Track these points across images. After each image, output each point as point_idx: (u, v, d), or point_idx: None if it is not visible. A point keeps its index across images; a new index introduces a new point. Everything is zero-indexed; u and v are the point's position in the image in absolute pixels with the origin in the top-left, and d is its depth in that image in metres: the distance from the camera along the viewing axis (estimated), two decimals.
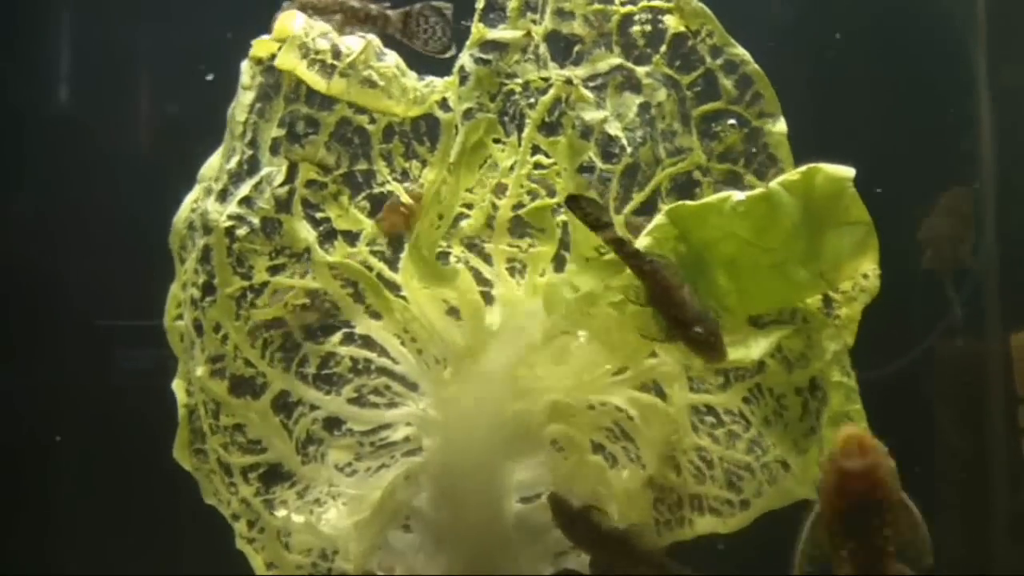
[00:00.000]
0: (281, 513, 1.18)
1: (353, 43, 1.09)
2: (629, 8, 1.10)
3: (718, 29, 1.09)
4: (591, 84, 1.11)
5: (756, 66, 1.08)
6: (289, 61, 1.07)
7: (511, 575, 1.14)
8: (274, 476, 1.18)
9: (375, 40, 1.11)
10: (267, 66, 1.11)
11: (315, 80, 1.08)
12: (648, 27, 1.10)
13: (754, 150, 1.09)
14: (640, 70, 1.10)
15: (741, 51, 1.09)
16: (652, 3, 1.09)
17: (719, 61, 1.09)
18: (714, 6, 1.10)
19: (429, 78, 1.12)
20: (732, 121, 1.09)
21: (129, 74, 1.79)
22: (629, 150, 1.10)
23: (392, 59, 1.11)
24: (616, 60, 1.10)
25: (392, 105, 1.09)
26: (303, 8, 1.10)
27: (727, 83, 1.08)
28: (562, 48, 1.11)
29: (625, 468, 1.19)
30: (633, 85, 1.10)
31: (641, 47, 1.10)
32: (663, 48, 1.10)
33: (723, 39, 1.09)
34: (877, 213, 0.99)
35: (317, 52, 1.08)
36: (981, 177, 1.68)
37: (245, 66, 1.12)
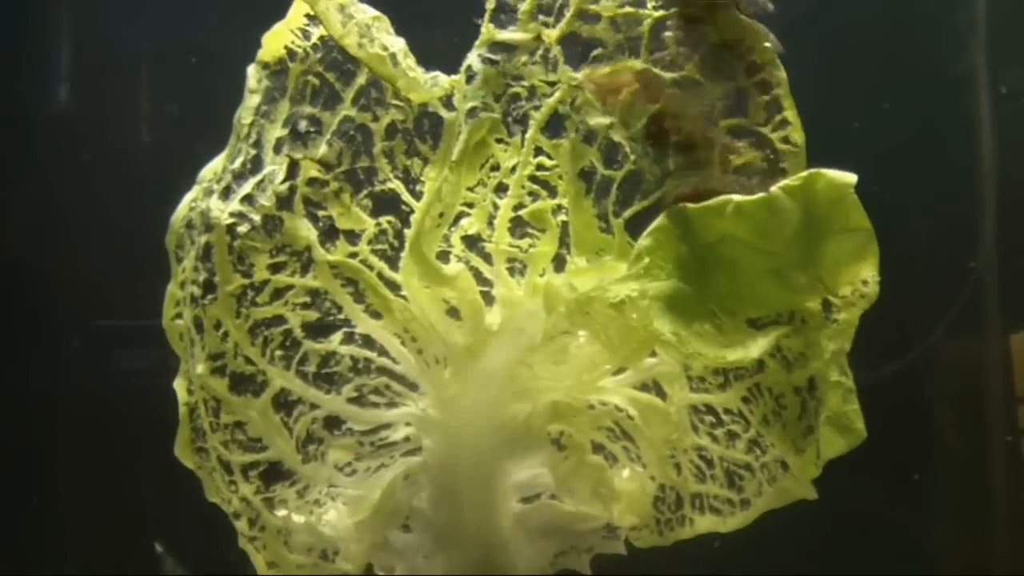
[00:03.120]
0: (281, 512, 1.18)
1: (370, 9, 1.10)
2: (661, 13, 1.09)
3: (761, 43, 1.05)
4: None
5: (787, 90, 1.06)
6: None
7: (511, 575, 1.14)
8: (274, 474, 1.18)
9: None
10: (273, 70, 1.12)
11: (333, 22, 1.07)
12: (681, 33, 1.09)
13: (772, 172, 1.07)
14: (667, 75, 1.09)
15: (780, 73, 1.06)
16: (687, 9, 1.08)
17: (754, 79, 1.07)
18: None
19: (435, 72, 1.12)
20: (752, 140, 1.07)
21: (129, 74, 1.79)
22: (632, 157, 1.10)
23: (401, 42, 1.11)
24: (640, 65, 1.09)
25: (396, 76, 1.09)
26: None
27: (757, 102, 1.06)
28: (578, 52, 1.10)
29: (625, 467, 1.19)
30: None
31: (673, 54, 1.09)
32: (697, 56, 1.08)
33: (763, 56, 1.06)
34: (877, 213, 0.99)
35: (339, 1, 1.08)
36: (981, 177, 1.69)
37: (252, 70, 1.12)
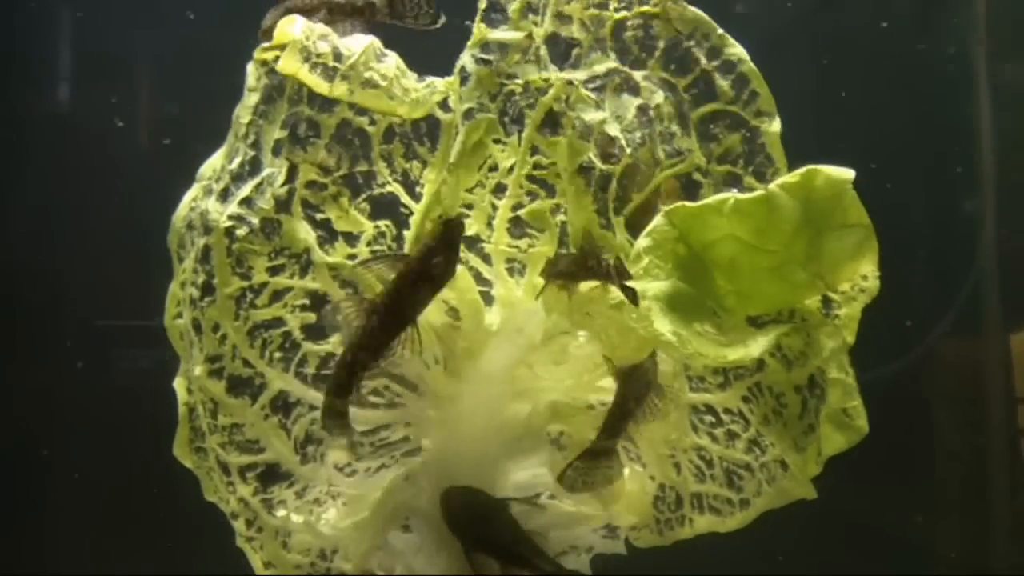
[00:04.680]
0: (280, 513, 1.18)
1: (354, 44, 1.09)
2: (623, 14, 1.10)
3: (713, 29, 1.09)
4: (590, 86, 1.11)
5: (751, 65, 1.08)
6: (291, 66, 1.07)
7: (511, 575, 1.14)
8: (272, 476, 1.18)
9: (376, 41, 1.11)
10: (272, 68, 1.12)
11: (317, 83, 1.07)
12: (640, 32, 1.10)
13: (752, 151, 1.09)
14: (637, 74, 1.10)
15: (738, 50, 1.08)
16: (643, 8, 1.10)
17: (715, 62, 1.09)
18: (715, 6, 1.10)
19: (430, 79, 1.12)
20: (727, 122, 1.09)
21: (129, 74, 1.79)
22: (628, 151, 1.10)
23: (392, 60, 1.11)
24: (612, 64, 1.10)
25: (395, 106, 1.09)
26: (288, 11, 1.10)
27: (724, 83, 1.08)
28: (562, 51, 1.11)
29: (625, 467, 1.19)
30: (631, 88, 1.10)
31: (636, 52, 1.10)
32: (657, 52, 1.10)
33: (720, 39, 1.09)
34: (877, 213, 0.99)
35: (319, 55, 1.07)
36: (981, 177, 1.69)
37: (250, 68, 1.12)
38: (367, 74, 1.08)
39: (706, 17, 1.09)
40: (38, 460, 1.73)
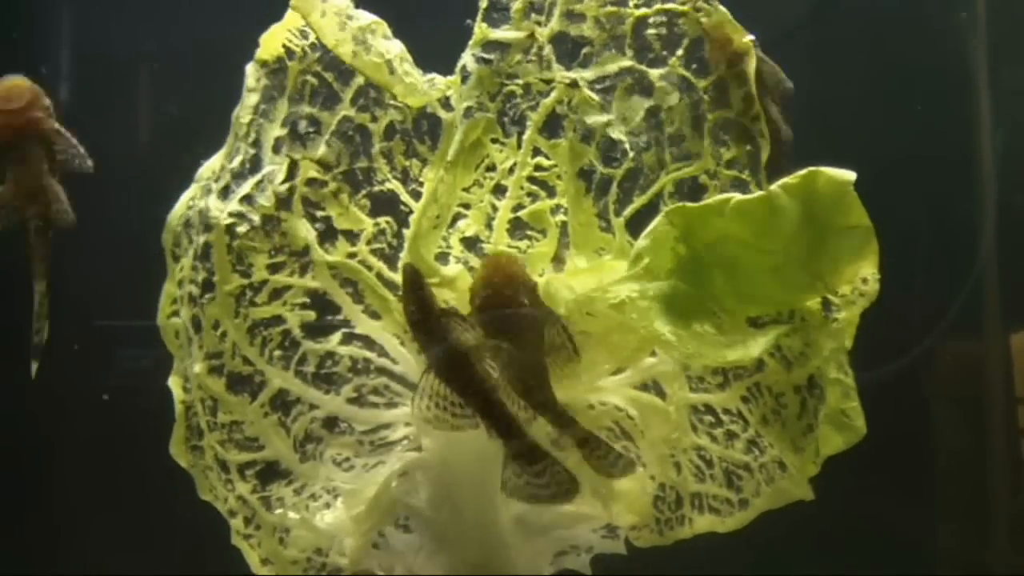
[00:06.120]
0: (278, 510, 1.18)
1: (365, 14, 1.10)
2: (644, 11, 1.10)
3: (737, 36, 1.08)
4: (598, 87, 1.10)
5: (753, 86, 1.08)
6: (306, 5, 1.07)
7: (511, 575, 1.14)
8: (271, 473, 1.18)
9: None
10: (272, 69, 1.12)
11: (327, 31, 1.07)
12: (664, 29, 1.10)
13: (754, 164, 1.09)
14: (654, 72, 1.10)
15: (753, 65, 1.08)
16: (668, 6, 1.10)
17: (734, 70, 1.09)
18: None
19: (432, 75, 1.12)
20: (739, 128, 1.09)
21: (129, 74, 1.79)
22: (631, 154, 1.10)
23: (398, 46, 1.11)
24: (627, 62, 1.10)
25: (392, 82, 1.09)
26: None
27: (737, 94, 1.08)
28: (568, 50, 1.11)
29: None
30: (643, 88, 1.10)
31: (657, 50, 1.10)
32: (680, 51, 1.10)
33: (742, 46, 1.08)
34: (877, 213, 0.99)
35: (335, 7, 1.08)
36: (981, 177, 1.69)
37: (250, 69, 1.13)
38: (373, 42, 1.08)
39: (731, 19, 1.09)
40: (38, 460, 1.73)
